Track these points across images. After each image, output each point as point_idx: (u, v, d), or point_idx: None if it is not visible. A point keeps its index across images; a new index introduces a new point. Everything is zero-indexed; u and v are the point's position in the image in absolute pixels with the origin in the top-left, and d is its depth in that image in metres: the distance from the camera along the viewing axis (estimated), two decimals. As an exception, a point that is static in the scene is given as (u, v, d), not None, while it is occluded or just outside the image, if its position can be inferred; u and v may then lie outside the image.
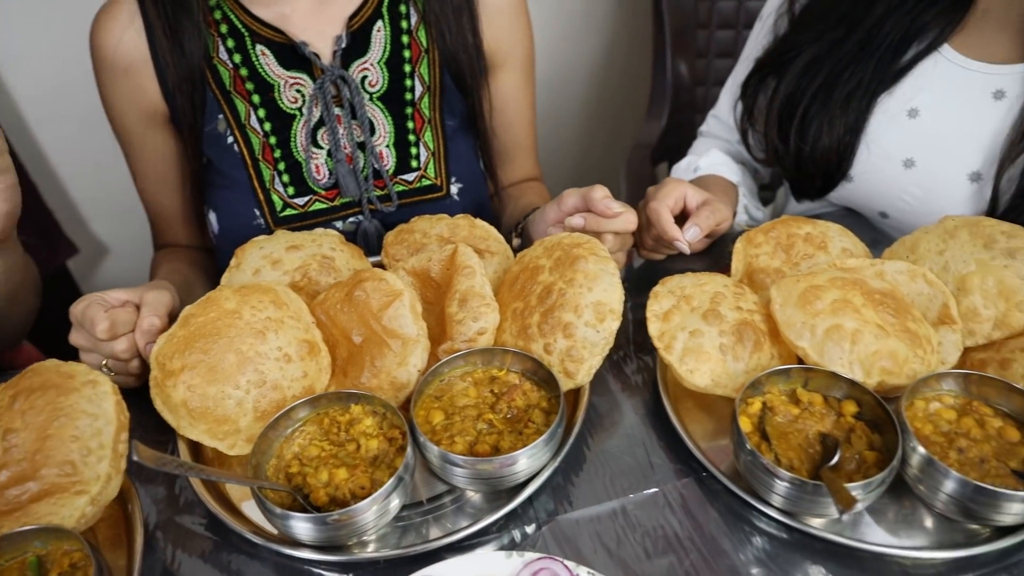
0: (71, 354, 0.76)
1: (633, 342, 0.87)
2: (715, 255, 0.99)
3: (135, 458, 0.57)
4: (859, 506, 0.64)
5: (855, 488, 0.63)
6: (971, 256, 0.81)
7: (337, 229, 1.05)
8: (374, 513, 0.64)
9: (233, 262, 0.85)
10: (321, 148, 1.01)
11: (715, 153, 1.15)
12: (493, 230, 0.90)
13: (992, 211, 0.93)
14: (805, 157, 1.02)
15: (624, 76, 1.89)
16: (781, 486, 0.66)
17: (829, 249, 0.89)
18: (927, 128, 0.98)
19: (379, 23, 0.99)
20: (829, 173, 1.03)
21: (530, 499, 0.70)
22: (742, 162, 1.18)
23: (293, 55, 0.97)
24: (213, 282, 0.99)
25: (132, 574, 0.62)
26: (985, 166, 0.95)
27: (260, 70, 0.96)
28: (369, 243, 1.05)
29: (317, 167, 1.01)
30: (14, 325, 0.94)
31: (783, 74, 1.01)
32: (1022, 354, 0.76)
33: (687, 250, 0.90)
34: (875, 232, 1.09)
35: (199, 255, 1.11)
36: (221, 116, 0.98)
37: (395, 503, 0.66)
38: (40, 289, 0.96)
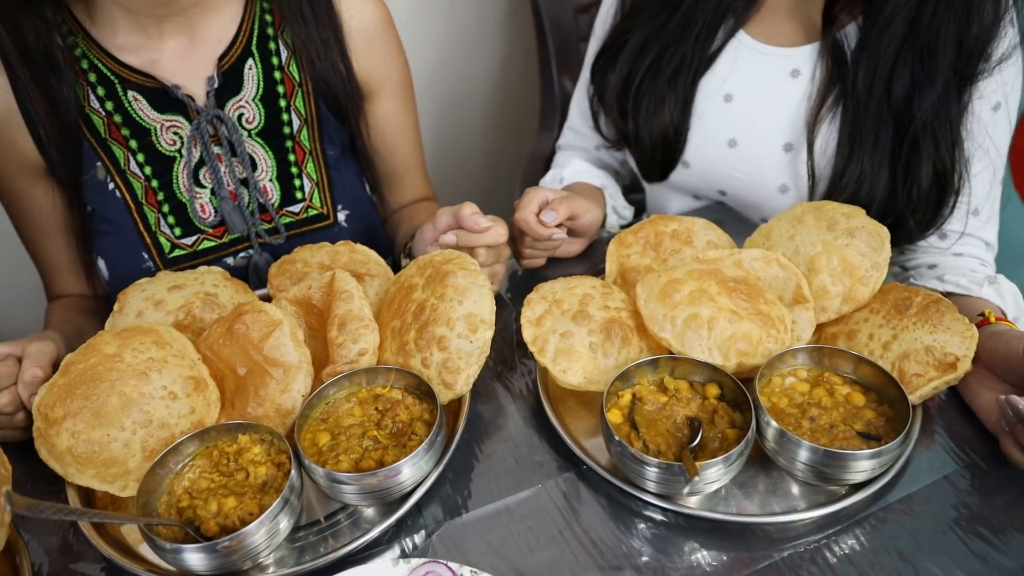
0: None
1: (516, 349, 0.91)
2: (592, 259, 1.05)
3: (8, 508, 0.58)
4: (714, 476, 0.69)
5: (715, 463, 0.68)
6: (817, 238, 0.88)
7: (228, 265, 1.06)
8: (263, 535, 0.66)
9: (116, 307, 0.86)
10: (204, 187, 1.03)
11: (576, 162, 1.21)
12: (373, 253, 0.94)
13: (812, 177, 1.03)
14: (644, 135, 1.10)
15: (521, 89, 1.95)
16: (650, 471, 0.70)
17: (695, 243, 0.95)
18: (741, 110, 1.08)
19: (250, 61, 1.01)
20: (668, 151, 1.12)
21: (419, 508, 0.74)
22: (603, 167, 1.25)
23: (166, 98, 0.98)
24: (105, 329, 0.99)
25: (22, 624, 0.63)
26: (794, 136, 1.06)
27: (134, 116, 0.98)
28: (261, 276, 1.07)
29: (202, 206, 1.03)
30: None
31: (619, 57, 1.09)
32: (866, 324, 0.83)
33: (556, 233, 0.96)
34: (740, 221, 1.16)
35: (92, 303, 1.11)
36: (99, 164, 0.98)
37: (284, 524, 0.68)
38: None
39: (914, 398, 0.77)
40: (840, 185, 0.98)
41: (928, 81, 0.92)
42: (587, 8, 1.60)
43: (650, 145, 1.12)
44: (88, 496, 0.76)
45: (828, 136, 1.01)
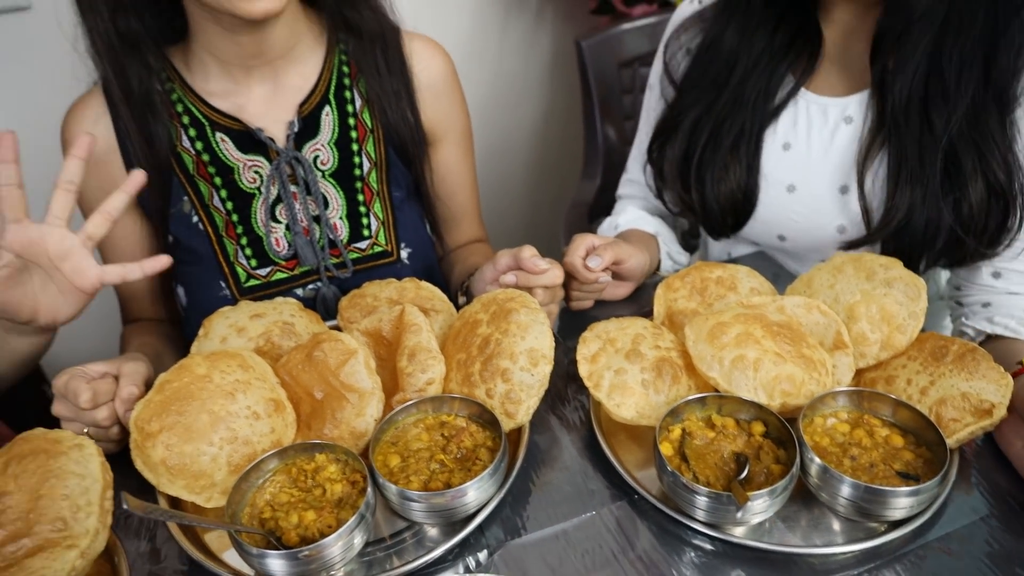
0: (35, 424, 0.83)
1: (569, 384, 0.97)
2: (640, 302, 1.11)
3: (124, 507, 0.64)
4: (760, 507, 0.74)
5: (762, 494, 0.73)
6: (856, 288, 0.94)
7: (297, 296, 1.14)
8: (340, 548, 0.72)
9: (201, 332, 0.93)
10: (280, 222, 1.11)
11: (632, 210, 1.28)
12: (437, 291, 1.01)
13: (866, 213, 1.08)
14: (711, 203, 1.16)
15: (562, 139, 2.04)
16: (700, 500, 0.75)
17: (739, 289, 1.01)
18: (799, 156, 1.14)
19: (327, 108, 1.10)
20: (737, 212, 1.17)
21: (481, 529, 0.79)
22: (660, 215, 1.32)
23: (250, 140, 1.07)
24: (181, 353, 1.06)
25: (120, 620, 0.69)
26: (848, 179, 1.11)
27: (221, 155, 1.07)
28: (328, 307, 1.14)
29: (277, 240, 1.11)
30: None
31: (675, 136, 1.16)
32: (904, 370, 0.88)
33: (602, 277, 1.02)
34: (777, 268, 1.22)
35: (167, 328, 1.18)
36: (186, 198, 1.07)
37: (358, 539, 0.74)
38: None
39: (951, 442, 0.81)
40: (892, 215, 1.03)
41: (958, 96, 0.97)
42: (630, 62, 1.69)
43: (719, 211, 1.18)
44: (175, 506, 0.83)
45: (877, 172, 1.07)
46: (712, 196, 1.15)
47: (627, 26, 1.67)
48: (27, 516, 0.70)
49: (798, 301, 0.94)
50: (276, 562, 0.70)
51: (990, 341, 1.05)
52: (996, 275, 1.07)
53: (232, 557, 0.76)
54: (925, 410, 0.82)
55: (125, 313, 1.21)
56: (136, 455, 0.80)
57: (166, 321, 1.20)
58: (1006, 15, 0.95)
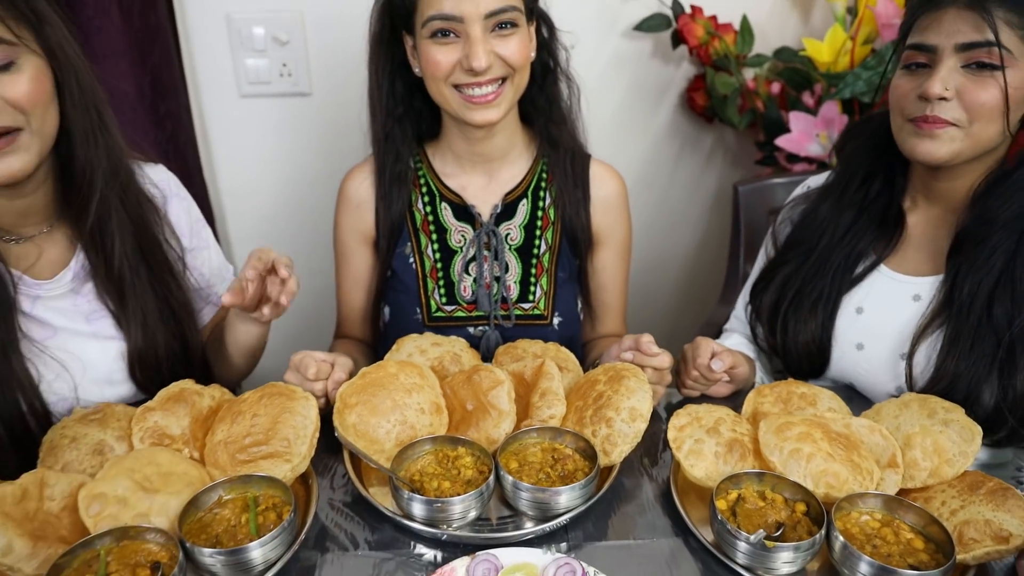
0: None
1: (661, 446, 1.23)
2: (736, 402, 1.34)
3: (336, 434, 0.98)
4: (785, 558, 0.95)
5: (787, 547, 0.95)
6: (917, 422, 1.14)
7: (469, 334, 1.49)
8: (461, 508, 1.01)
9: (395, 347, 1.30)
10: (470, 275, 1.48)
11: (736, 337, 1.55)
12: (572, 355, 1.31)
13: (909, 382, 1.26)
14: (791, 349, 1.40)
15: (710, 268, 2.32)
16: (739, 544, 0.98)
17: (818, 406, 1.23)
18: (870, 321, 1.35)
19: (524, 200, 1.48)
20: (812, 361, 1.40)
21: (566, 529, 1.05)
22: (758, 347, 1.56)
23: (464, 212, 1.47)
24: (371, 365, 1.43)
25: (307, 519, 1.01)
26: (909, 347, 1.29)
27: (441, 219, 1.47)
28: (489, 348, 1.47)
29: (465, 288, 1.48)
30: (240, 375, 1.42)
31: (770, 287, 1.43)
32: (942, 494, 1.06)
33: (718, 367, 1.27)
34: (857, 397, 1.41)
35: (366, 348, 1.58)
36: (409, 244, 1.48)
37: (475, 511, 1.03)
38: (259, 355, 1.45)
39: (968, 557, 0.98)
40: (936, 383, 1.22)
41: (1022, 304, 1.16)
42: (778, 211, 1.96)
43: (796, 358, 1.42)
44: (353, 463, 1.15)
45: (934, 345, 1.25)
46: (792, 344, 1.39)
47: (781, 179, 1.95)
48: (267, 432, 1.05)
49: (863, 422, 1.15)
50: (417, 504, 1.00)
51: None
52: None
53: (383, 498, 1.07)
54: (949, 527, 1.01)
55: (339, 328, 1.62)
56: (336, 418, 1.13)
57: (367, 343, 1.59)
58: None
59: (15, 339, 1.13)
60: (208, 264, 1.42)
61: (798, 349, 1.40)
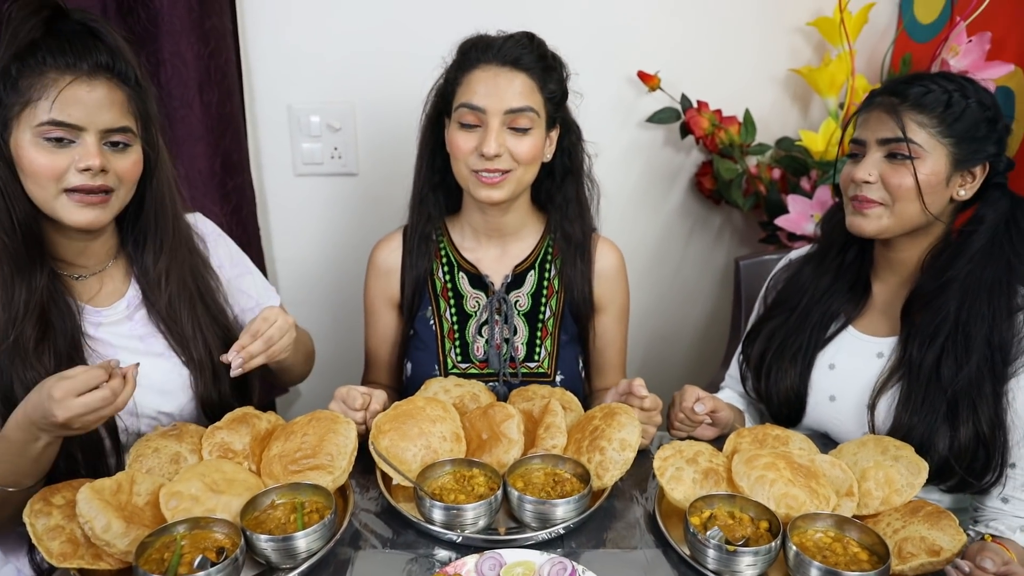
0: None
1: (648, 476, 1.43)
2: (719, 445, 1.54)
3: (371, 452, 1.21)
4: (747, 562, 1.15)
5: (748, 551, 1.15)
6: (872, 458, 1.34)
7: (481, 388, 1.72)
8: (473, 515, 1.22)
9: (423, 387, 1.54)
10: (482, 337, 1.71)
11: (728, 392, 1.77)
12: (575, 399, 1.54)
13: (872, 428, 1.46)
14: (773, 396, 1.61)
15: (719, 337, 2.53)
16: (709, 552, 1.18)
17: (790, 446, 1.43)
18: (840, 376, 1.56)
19: (532, 271, 1.72)
20: (791, 408, 1.60)
21: (562, 539, 1.26)
22: (749, 401, 1.77)
23: (479, 281, 1.72)
24: (401, 407, 1.67)
25: (344, 521, 1.24)
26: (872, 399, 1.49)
27: (458, 286, 1.72)
28: (498, 399, 1.70)
29: (478, 348, 1.71)
30: (298, 378, 1.68)
31: (757, 340, 1.65)
32: (888, 517, 1.26)
33: (701, 409, 1.48)
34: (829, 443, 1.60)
35: (391, 392, 1.81)
36: (430, 307, 1.72)
37: (484, 520, 1.24)
38: (313, 360, 1.70)
39: (905, 568, 1.17)
40: (894, 432, 1.41)
41: (966, 361, 1.36)
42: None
43: (778, 404, 1.63)
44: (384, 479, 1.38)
45: (892, 399, 1.45)
46: (775, 390, 1.61)
47: (776, 255, 2.18)
48: (314, 448, 1.29)
49: (826, 458, 1.35)
50: (437, 510, 1.23)
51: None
52: (1004, 500, 1.40)
53: (408, 509, 1.29)
54: (891, 543, 1.19)
55: (366, 375, 1.86)
56: (371, 441, 1.37)
57: (392, 388, 1.83)
58: (999, 308, 1.38)
59: (83, 359, 1.38)
60: (254, 286, 1.67)
61: (779, 396, 1.61)
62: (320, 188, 2.35)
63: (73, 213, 1.29)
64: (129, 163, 1.33)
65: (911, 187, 1.40)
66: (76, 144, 1.26)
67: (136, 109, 1.33)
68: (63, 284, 1.39)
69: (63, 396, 1.11)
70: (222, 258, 1.62)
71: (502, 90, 1.53)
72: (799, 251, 1.76)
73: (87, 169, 1.26)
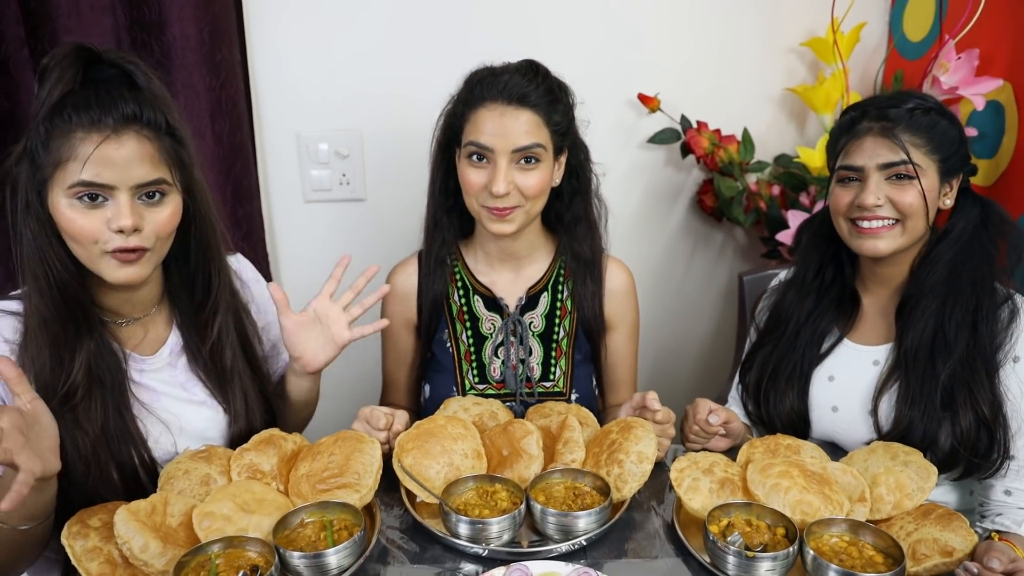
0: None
1: (666, 487, 1.48)
2: (731, 455, 1.60)
3: (395, 469, 1.26)
4: (766, 566, 1.20)
5: (767, 556, 1.20)
6: (882, 464, 1.39)
7: (498, 407, 1.77)
8: (497, 529, 1.27)
9: (443, 406, 1.59)
10: (498, 358, 1.77)
11: (735, 407, 1.82)
12: (591, 414, 1.59)
13: (877, 428, 1.52)
14: (775, 419, 1.67)
15: (725, 352, 2.59)
16: (729, 558, 1.23)
17: (801, 455, 1.48)
18: (840, 386, 1.62)
19: (545, 293, 1.78)
20: (795, 428, 1.66)
21: (584, 551, 1.31)
22: (750, 421, 1.83)
23: (494, 304, 1.77)
24: (419, 427, 1.72)
25: (372, 538, 1.28)
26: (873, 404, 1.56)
27: (474, 309, 1.77)
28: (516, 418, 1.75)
29: (494, 369, 1.77)
30: (299, 424, 1.72)
31: (752, 366, 1.72)
32: (900, 520, 1.31)
33: (715, 420, 1.53)
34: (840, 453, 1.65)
35: (410, 413, 1.85)
36: (447, 330, 1.78)
37: (508, 534, 1.29)
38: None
39: (920, 569, 1.22)
40: (896, 427, 1.48)
41: (955, 348, 1.45)
42: (783, 300, 2.25)
43: (781, 427, 1.69)
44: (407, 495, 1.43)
45: (892, 399, 1.52)
46: (776, 414, 1.67)
47: (778, 270, 2.25)
48: (341, 467, 1.34)
49: (837, 465, 1.41)
50: (463, 524, 1.27)
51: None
52: (1008, 493, 1.46)
53: (433, 524, 1.34)
54: (905, 546, 1.25)
55: (383, 397, 1.91)
56: (395, 459, 1.42)
57: (409, 409, 1.87)
58: (983, 297, 1.47)
59: (128, 404, 1.41)
60: (276, 328, 1.68)
61: (781, 419, 1.67)
62: (328, 214, 2.41)
63: (114, 271, 1.31)
64: (165, 216, 1.33)
65: (920, 205, 1.49)
66: (110, 202, 1.27)
67: (169, 158, 1.33)
68: (109, 332, 1.43)
69: None
70: (259, 304, 1.66)
71: (508, 129, 1.58)
72: (779, 276, 1.83)
73: (120, 231, 1.27)
